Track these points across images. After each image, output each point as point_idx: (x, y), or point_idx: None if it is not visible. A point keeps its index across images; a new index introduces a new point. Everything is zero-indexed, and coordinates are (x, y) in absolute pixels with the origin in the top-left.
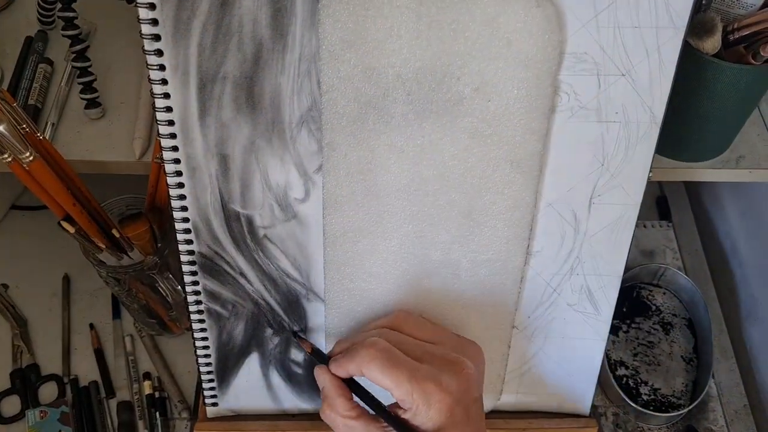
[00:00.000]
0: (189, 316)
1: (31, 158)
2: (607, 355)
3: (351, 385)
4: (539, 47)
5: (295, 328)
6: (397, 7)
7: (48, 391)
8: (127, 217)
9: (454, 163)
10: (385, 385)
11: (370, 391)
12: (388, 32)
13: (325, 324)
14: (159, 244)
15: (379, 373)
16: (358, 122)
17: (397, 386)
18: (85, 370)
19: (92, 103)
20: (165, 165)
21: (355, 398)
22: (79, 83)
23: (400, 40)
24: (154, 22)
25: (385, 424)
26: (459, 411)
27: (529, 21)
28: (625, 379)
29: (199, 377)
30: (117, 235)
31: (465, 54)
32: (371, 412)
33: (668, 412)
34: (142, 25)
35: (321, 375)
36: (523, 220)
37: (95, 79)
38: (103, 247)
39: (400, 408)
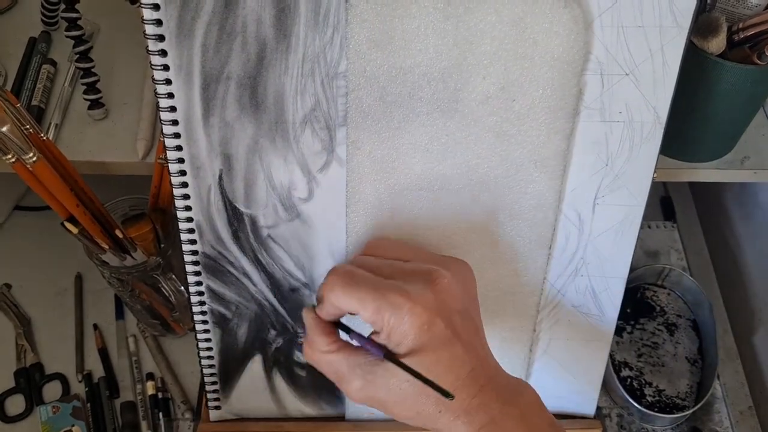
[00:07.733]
0: (192, 317)
1: (34, 159)
2: (611, 356)
3: (340, 327)
4: (565, 48)
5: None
6: (425, 8)
7: (52, 390)
8: (131, 218)
9: (477, 162)
10: (351, 307)
11: (353, 328)
12: (415, 32)
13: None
14: (162, 245)
15: (342, 295)
16: (383, 121)
17: (362, 305)
18: (90, 370)
19: (95, 104)
20: (169, 165)
21: (344, 336)
22: (82, 84)
23: (427, 40)
24: (158, 22)
25: (370, 355)
26: (439, 325)
27: (556, 22)
28: (629, 380)
29: (202, 380)
30: (120, 235)
31: (491, 54)
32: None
33: (673, 413)
34: (146, 26)
35: (304, 316)
36: (546, 220)
37: (98, 80)
38: (107, 247)
39: (376, 334)
